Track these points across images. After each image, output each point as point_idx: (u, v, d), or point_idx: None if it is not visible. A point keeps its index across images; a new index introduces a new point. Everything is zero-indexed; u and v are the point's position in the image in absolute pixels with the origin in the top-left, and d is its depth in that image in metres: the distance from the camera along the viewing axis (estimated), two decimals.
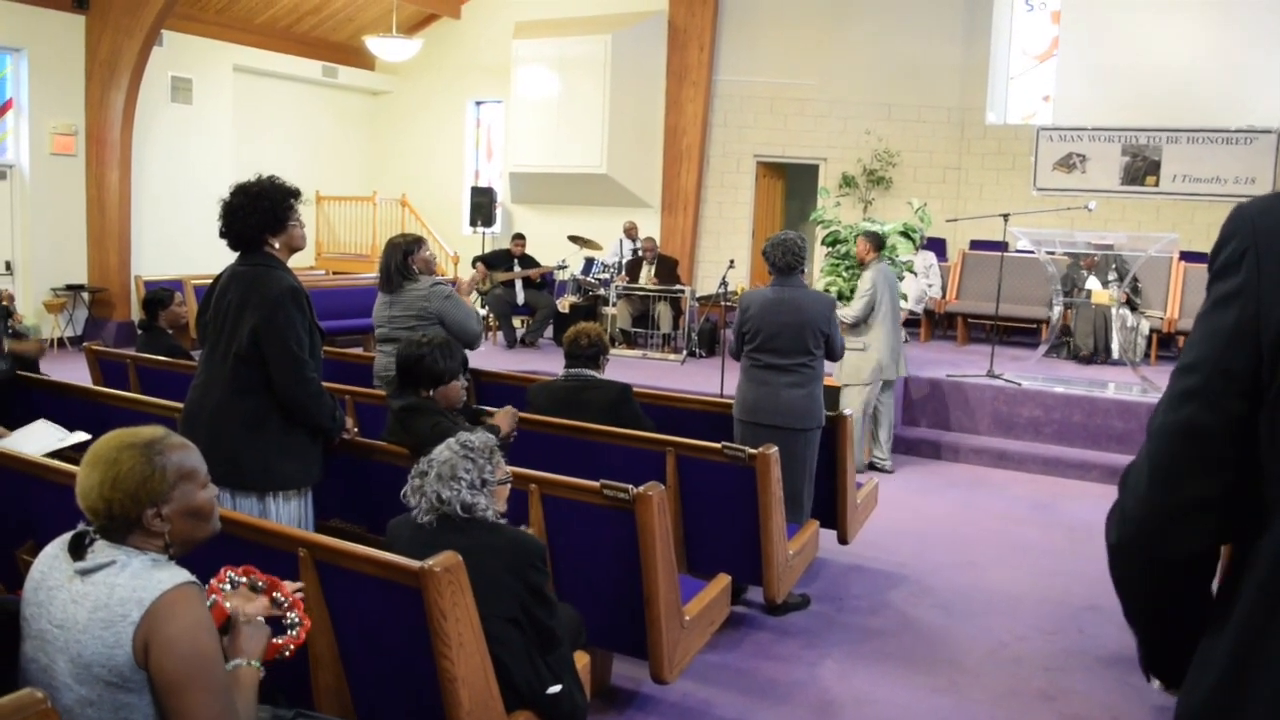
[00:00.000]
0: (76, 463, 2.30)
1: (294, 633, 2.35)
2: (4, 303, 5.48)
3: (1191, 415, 1.23)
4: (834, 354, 5.30)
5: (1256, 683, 1.16)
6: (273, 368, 3.68)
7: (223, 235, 3.81)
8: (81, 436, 4.62)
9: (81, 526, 2.18)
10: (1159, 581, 1.32)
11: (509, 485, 3.14)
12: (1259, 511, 1.18)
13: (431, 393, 4.12)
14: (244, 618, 2.26)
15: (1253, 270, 1.17)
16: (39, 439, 4.52)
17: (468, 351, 4.63)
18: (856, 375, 7.51)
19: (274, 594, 2.38)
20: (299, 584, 2.47)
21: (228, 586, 2.35)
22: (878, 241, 7.74)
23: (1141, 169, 11.83)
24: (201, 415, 3.76)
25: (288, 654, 2.34)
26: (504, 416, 4.32)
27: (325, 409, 3.83)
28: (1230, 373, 1.19)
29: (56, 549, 2.18)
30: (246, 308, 3.69)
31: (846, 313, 7.20)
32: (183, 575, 2.09)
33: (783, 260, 5.22)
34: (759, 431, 5.04)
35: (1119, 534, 1.33)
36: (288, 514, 3.80)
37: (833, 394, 7.94)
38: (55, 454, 4.39)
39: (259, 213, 3.72)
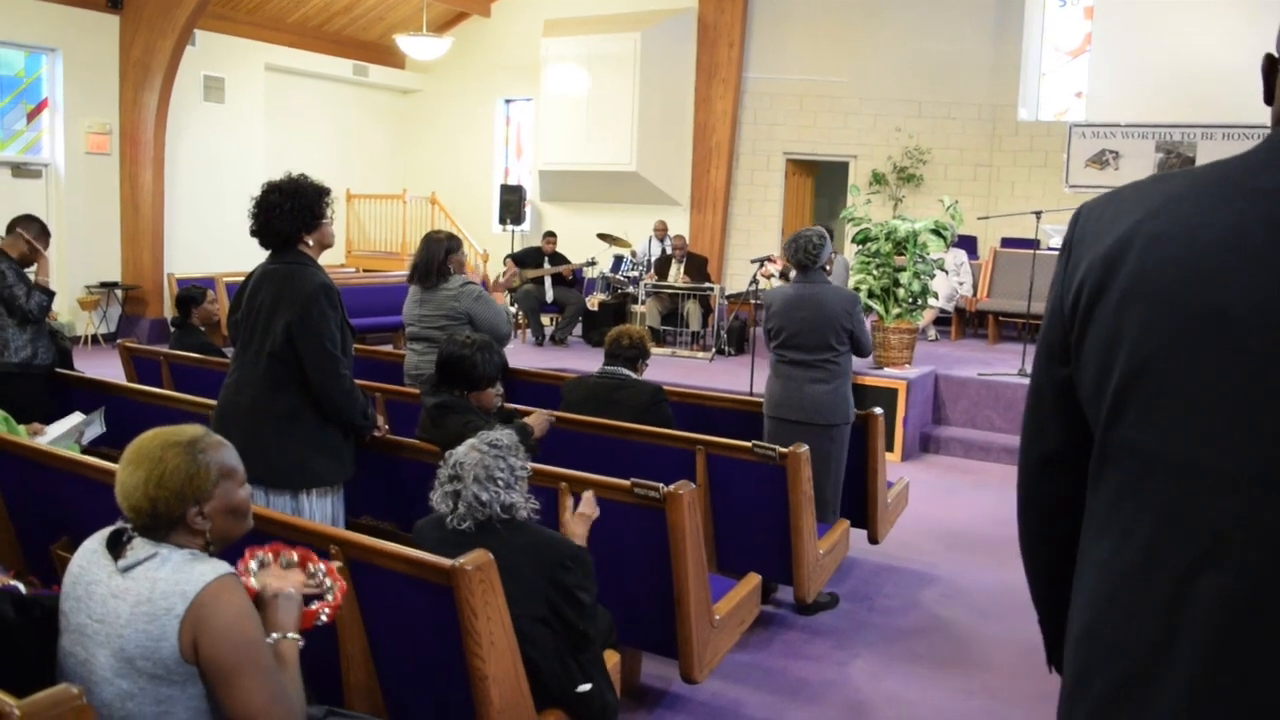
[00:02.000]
0: (107, 458, 2.33)
1: (330, 597, 2.36)
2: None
3: (1032, 381, 1.48)
4: (860, 350, 5.26)
5: (1080, 592, 1.36)
6: (307, 365, 3.69)
7: (255, 234, 3.81)
8: (98, 416, 4.71)
9: (119, 523, 2.20)
10: (1041, 530, 1.55)
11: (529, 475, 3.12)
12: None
13: (468, 395, 4.13)
14: (271, 592, 2.27)
15: (1066, 258, 1.38)
16: (65, 425, 4.59)
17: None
18: None
19: (307, 565, 2.39)
20: (336, 564, 2.49)
21: (255, 565, 2.36)
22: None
23: (1176, 165, 11.69)
24: (235, 413, 3.78)
25: (324, 619, 2.35)
26: (538, 419, 4.32)
27: (358, 406, 3.84)
28: (1051, 343, 1.41)
29: (94, 544, 2.20)
30: (280, 305, 3.71)
31: None
32: (223, 567, 2.11)
33: (795, 258, 5.23)
34: (785, 427, 5.05)
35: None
36: (320, 512, 3.81)
37: (861, 391, 7.90)
38: (86, 449, 4.46)
39: (297, 210, 3.73)
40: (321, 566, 2.41)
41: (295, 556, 2.41)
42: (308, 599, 2.34)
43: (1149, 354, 1.22)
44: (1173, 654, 1.19)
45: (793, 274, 5.35)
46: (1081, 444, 1.38)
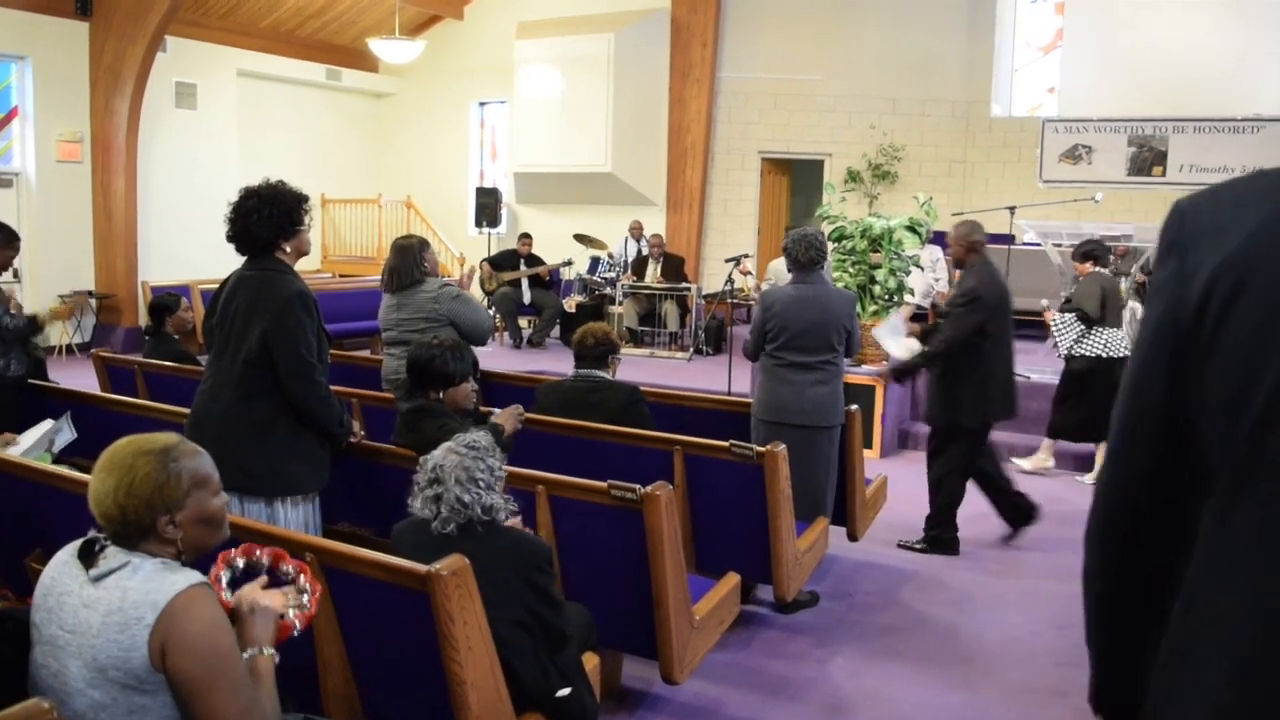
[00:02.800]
0: (83, 469, 2.32)
1: (305, 599, 2.35)
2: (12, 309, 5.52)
3: (1130, 395, 1.33)
4: (853, 349, 5.26)
5: (1211, 634, 1.20)
6: (282, 372, 3.67)
7: (232, 239, 3.78)
8: (66, 421, 4.68)
9: (92, 533, 2.18)
10: (1128, 558, 1.38)
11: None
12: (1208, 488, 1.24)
13: (441, 395, 4.12)
14: (247, 605, 2.26)
15: (1177, 262, 1.26)
16: (34, 435, 4.56)
17: (477, 349, 4.64)
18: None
19: (280, 565, 2.38)
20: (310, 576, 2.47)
21: (227, 574, 2.34)
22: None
23: (1148, 159, 11.77)
24: (210, 420, 3.75)
25: (298, 630, 2.33)
26: (507, 416, 4.30)
27: (333, 413, 3.83)
28: (1161, 357, 1.27)
29: (66, 555, 2.18)
30: (255, 312, 3.69)
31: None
32: (195, 576, 2.09)
33: (807, 255, 5.16)
34: (782, 431, 4.91)
35: (1090, 518, 1.42)
36: (296, 519, 3.79)
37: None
38: (59, 460, 4.42)
39: (275, 216, 3.71)
40: (292, 567, 2.40)
41: (267, 559, 2.39)
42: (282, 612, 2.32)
43: None
44: None
45: (772, 273, 5.28)
46: (1184, 464, 1.27)
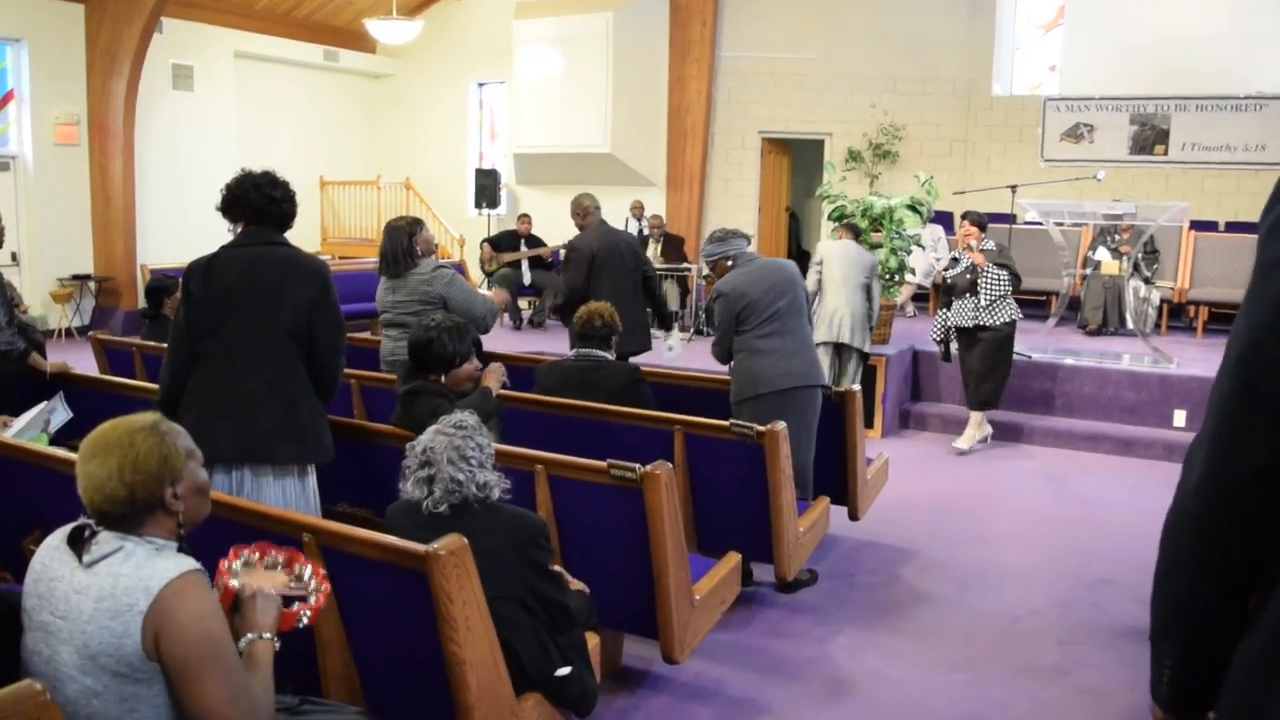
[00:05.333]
0: (76, 450, 2.29)
1: (313, 599, 2.33)
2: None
3: (1240, 380, 1.20)
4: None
5: None
6: (324, 342, 3.74)
7: (257, 210, 3.77)
8: (59, 402, 4.65)
9: (82, 520, 2.16)
10: (1229, 555, 1.25)
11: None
12: None
13: (443, 377, 4.09)
14: (250, 591, 2.24)
15: None
16: (28, 417, 4.55)
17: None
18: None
19: (293, 566, 2.36)
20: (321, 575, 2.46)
21: (239, 564, 2.32)
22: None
23: (1150, 138, 11.71)
24: (254, 400, 3.63)
25: (305, 621, 2.32)
26: (491, 376, 4.28)
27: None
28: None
29: (56, 540, 2.17)
30: (294, 285, 3.68)
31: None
32: (188, 563, 2.08)
33: (720, 234, 5.46)
34: (790, 397, 4.91)
35: (1177, 510, 1.29)
36: (313, 484, 3.85)
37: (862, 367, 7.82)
38: (56, 440, 4.41)
39: (292, 202, 3.84)
40: (308, 568, 2.37)
41: (282, 558, 2.37)
42: (288, 600, 2.30)
43: None
44: None
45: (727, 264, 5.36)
46: None
